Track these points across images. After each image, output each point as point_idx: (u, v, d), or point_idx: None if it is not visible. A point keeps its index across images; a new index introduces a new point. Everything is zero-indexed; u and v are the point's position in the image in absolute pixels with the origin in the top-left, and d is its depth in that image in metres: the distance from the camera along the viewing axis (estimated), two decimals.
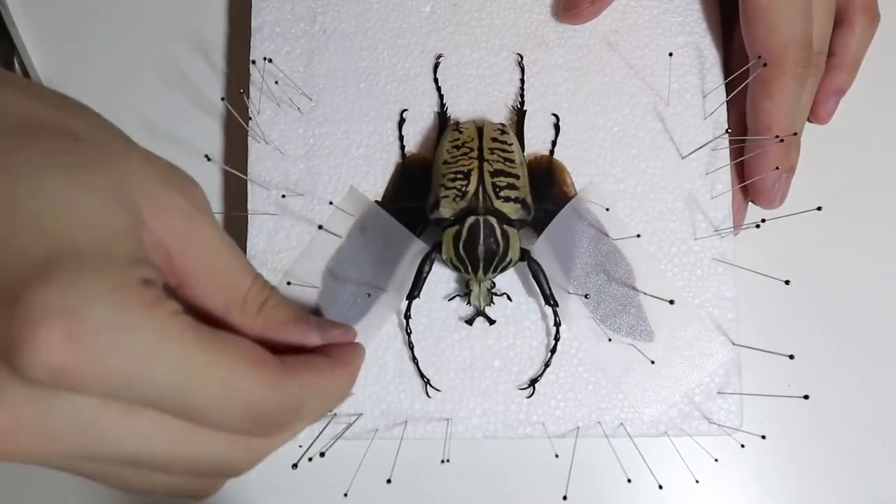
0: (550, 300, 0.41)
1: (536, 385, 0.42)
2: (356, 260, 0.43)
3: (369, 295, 0.42)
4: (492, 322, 0.42)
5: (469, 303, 0.42)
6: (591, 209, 0.43)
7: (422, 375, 0.42)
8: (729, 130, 0.42)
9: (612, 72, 0.45)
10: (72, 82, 0.48)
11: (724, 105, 0.44)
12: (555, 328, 0.42)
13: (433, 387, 0.42)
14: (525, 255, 0.41)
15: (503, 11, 0.46)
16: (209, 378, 0.22)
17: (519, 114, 0.45)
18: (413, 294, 0.41)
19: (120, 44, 0.49)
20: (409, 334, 0.42)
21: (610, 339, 0.42)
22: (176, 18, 0.49)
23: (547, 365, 0.42)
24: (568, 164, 0.44)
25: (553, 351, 0.42)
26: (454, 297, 0.43)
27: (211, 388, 0.22)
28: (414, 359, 0.42)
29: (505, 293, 0.43)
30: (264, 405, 0.23)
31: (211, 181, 0.46)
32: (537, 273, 0.41)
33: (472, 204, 0.41)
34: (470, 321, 0.42)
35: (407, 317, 0.42)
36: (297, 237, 0.44)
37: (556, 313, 0.42)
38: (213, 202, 0.45)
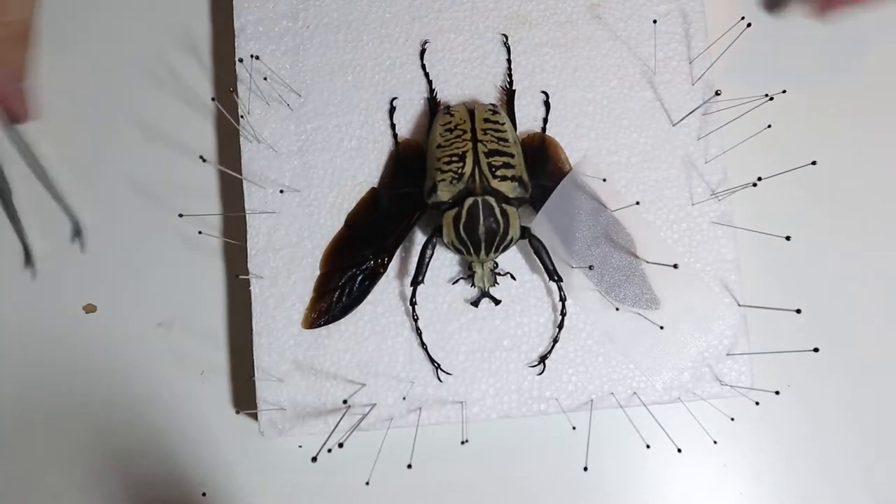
0: (554, 276, 0.41)
1: (547, 361, 0.42)
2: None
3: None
4: (497, 302, 0.42)
5: (473, 285, 0.42)
6: (588, 182, 0.43)
7: (432, 361, 0.42)
8: (719, 92, 0.42)
9: (598, 45, 0.45)
10: (70, 86, 0.48)
11: (712, 69, 0.44)
12: (560, 303, 0.42)
13: (444, 371, 0.42)
14: (526, 233, 0.41)
15: None
16: None
17: (508, 93, 0.45)
18: (417, 280, 0.41)
19: (110, 47, 0.48)
20: (416, 321, 0.42)
21: (617, 309, 0.42)
22: (162, 21, 0.49)
23: (555, 340, 0.42)
24: (561, 139, 0.44)
25: (561, 326, 0.42)
26: (458, 280, 0.43)
27: None
28: (423, 345, 0.42)
29: (508, 272, 0.43)
30: None
31: (207, 182, 0.46)
32: (539, 249, 0.41)
33: (470, 185, 0.41)
34: (476, 303, 0.42)
35: (413, 303, 0.42)
36: (296, 233, 0.44)
37: (560, 288, 0.42)
38: (209, 203, 0.46)
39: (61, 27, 0.49)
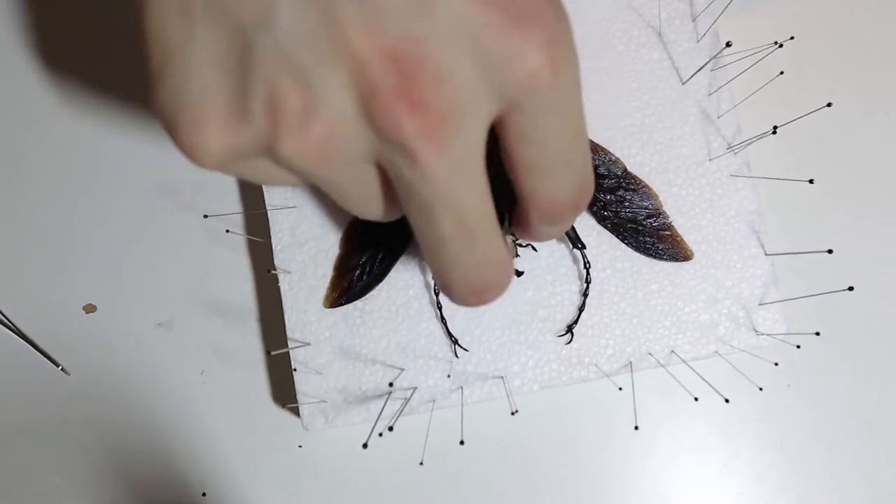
0: (578, 243, 0.41)
1: (574, 330, 0.42)
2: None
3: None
4: (519, 274, 0.42)
5: None
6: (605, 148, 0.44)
7: (450, 335, 0.42)
8: (730, 43, 0.42)
9: (599, 11, 0.46)
10: (89, 98, 0.48)
11: (717, 24, 0.44)
12: (585, 271, 0.42)
13: (462, 346, 0.42)
14: None
15: None
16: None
17: None
18: None
19: (120, 48, 0.48)
20: (437, 294, 0.42)
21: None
22: None
23: (581, 309, 0.42)
24: None
25: (586, 294, 0.42)
26: None
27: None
28: (442, 319, 0.42)
29: (529, 244, 0.42)
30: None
31: (226, 179, 0.46)
32: None
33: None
34: None
35: None
36: (319, 225, 0.44)
37: (584, 256, 0.42)
38: (230, 202, 0.46)
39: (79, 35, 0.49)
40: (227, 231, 0.43)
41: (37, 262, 0.46)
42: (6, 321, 0.45)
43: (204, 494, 0.44)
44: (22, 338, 0.45)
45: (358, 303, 0.43)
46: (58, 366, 0.45)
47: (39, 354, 0.45)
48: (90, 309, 0.46)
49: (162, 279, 0.46)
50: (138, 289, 0.46)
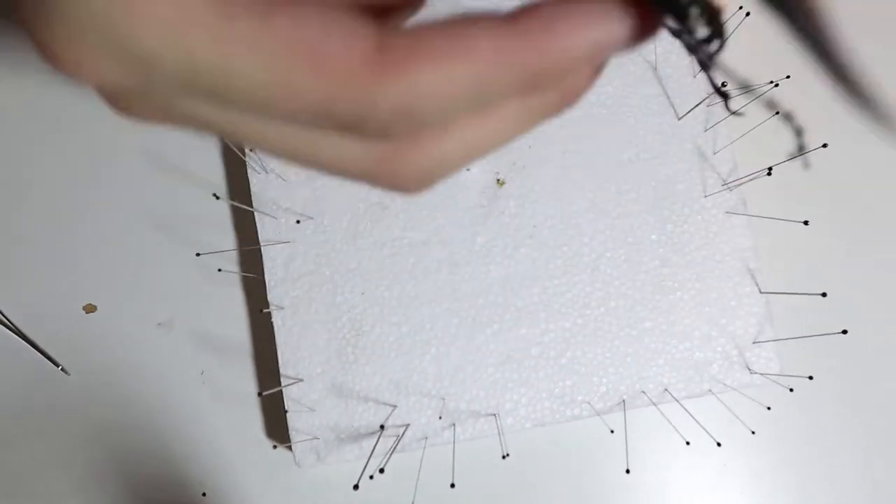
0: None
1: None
2: None
3: None
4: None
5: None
6: None
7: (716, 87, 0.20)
8: (725, 83, 0.42)
9: None
10: (79, 120, 0.48)
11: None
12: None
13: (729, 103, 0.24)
14: None
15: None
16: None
17: None
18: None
19: None
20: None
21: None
22: None
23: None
24: (567, 143, 0.44)
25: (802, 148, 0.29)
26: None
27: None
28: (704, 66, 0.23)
29: None
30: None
31: (221, 217, 0.46)
32: None
33: None
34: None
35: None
36: (314, 261, 0.44)
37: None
38: (225, 238, 0.45)
39: None
40: (220, 270, 0.43)
41: (37, 262, 0.46)
42: (6, 321, 0.46)
43: (204, 494, 0.44)
44: (22, 338, 0.45)
45: (351, 338, 0.43)
46: (58, 366, 0.45)
47: (39, 354, 0.45)
48: (90, 309, 0.46)
49: (162, 279, 0.46)
50: (138, 289, 0.46)
